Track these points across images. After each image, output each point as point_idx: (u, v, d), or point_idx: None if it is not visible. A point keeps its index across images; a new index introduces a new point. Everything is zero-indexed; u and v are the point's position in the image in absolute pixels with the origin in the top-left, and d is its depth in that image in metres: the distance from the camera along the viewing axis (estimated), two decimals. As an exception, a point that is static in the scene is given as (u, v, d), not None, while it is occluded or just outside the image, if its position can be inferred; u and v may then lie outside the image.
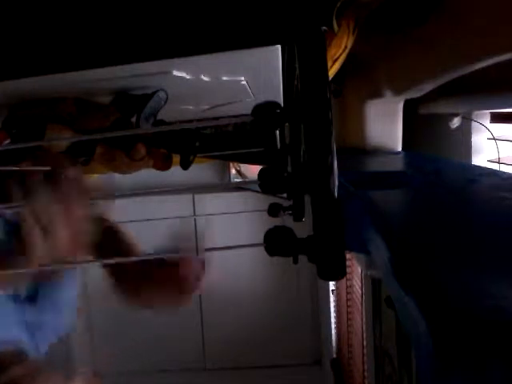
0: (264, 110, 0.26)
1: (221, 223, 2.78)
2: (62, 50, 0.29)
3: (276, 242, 0.28)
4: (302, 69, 0.25)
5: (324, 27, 0.24)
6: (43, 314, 0.66)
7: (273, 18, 0.26)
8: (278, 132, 0.31)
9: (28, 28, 0.29)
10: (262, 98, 0.35)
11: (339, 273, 0.27)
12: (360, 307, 1.68)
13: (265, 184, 0.27)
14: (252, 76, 0.37)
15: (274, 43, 0.27)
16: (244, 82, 0.38)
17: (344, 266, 0.27)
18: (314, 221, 0.26)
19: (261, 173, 0.27)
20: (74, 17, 0.29)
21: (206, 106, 0.58)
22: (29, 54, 0.29)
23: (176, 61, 0.28)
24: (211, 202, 2.65)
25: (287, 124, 0.28)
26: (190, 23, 0.28)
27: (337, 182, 0.25)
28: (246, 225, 2.72)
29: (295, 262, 0.28)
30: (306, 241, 0.27)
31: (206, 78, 0.35)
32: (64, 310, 0.69)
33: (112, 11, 0.28)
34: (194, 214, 2.76)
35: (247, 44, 0.27)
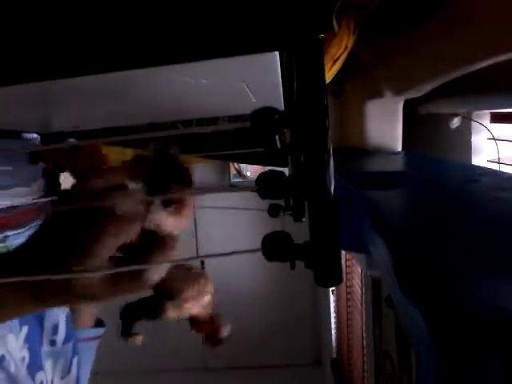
0: (262, 116, 0.26)
1: (221, 222, 2.79)
2: (59, 56, 0.29)
3: (273, 248, 0.28)
4: (299, 75, 0.25)
5: (321, 34, 0.24)
6: None
7: (270, 24, 0.26)
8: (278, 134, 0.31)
9: (17, 30, 0.29)
10: (262, 100, 0.35)
11: (336, 279, 0.27)
12: (360, 307, 1.68)
13: (263, 189, 0.27)
14: (251, 79, 0.37)
15: (270, 50, 0.27)
16: (244, 85, 0.38)
17: (340, 273, 0.27)
18: (310, 226, 0.26)
19: (259, 178, 0.27)
20: (74, 23, 0.29)
21: (206, 107, 0.58)
22: (20, 60, 0.30)
23: (176, 65, 0.29)
24: (211, 201, 2.65)
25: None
26: (191, 31, 0.28)
27: (333, 189, 0.25)
28: (247, 224, 2.72)
29: (292, 267, 0.28)
30: (303, 247, 0.27)
31: (205, 81, 0.35)
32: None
33: (115, 21, 0.28)
34: (194, 213, 2.76)
35: (244, 50, 0.27)
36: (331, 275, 0.27)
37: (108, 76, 0.30)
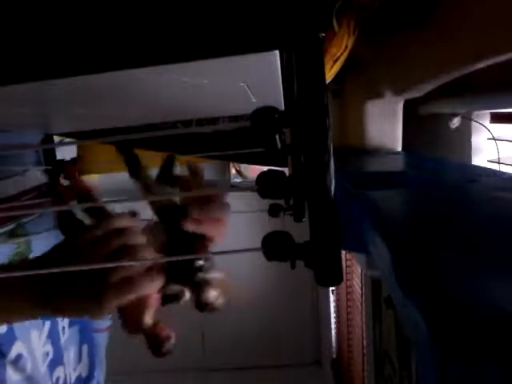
0: (262, 115, 0.26)
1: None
2: (61, 55, 0.29)
3: (274, 248, 0.28)
4: (299, 75, 0.24)
5: (322, 33, 0.24)
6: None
7: (270, 23, 0.26)
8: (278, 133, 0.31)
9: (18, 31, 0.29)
10: (262, 100, 0.35)
11: (336, 279, 0.27)
12: (360, 307, 1.68)
13: (263, 189, 0.27)
14: (251, 79, 0.37)
15: (271, 49, 0.27)
16: (243, 84, 0.38)
17: (341, 272, 0.27)
18: (311, 226, 0.26)
19: (259, 178, 0.27)
20: (73, 22, 0.29)
21: (206, 107, 0.58)
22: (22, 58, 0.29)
23: (175, 65, 0.28)
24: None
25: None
26: (190, 30, 0.28)
27: (333, 188, 0.25)
28: (247, 224, 2.71)
29: (292, 267, 0.28)
30: (303, 246, 0.27)
31: (205, 81, 0.35)
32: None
33: (115, 20, 0.28)
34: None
35: (244, 50, 0.27)
36: (332, 274, 0.27)
37: (107, 76, 0.30)
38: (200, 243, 0.51)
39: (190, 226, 0.49)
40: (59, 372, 0.62)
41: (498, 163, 0.95)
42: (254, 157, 0.95)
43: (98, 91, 0.40)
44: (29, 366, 0.56)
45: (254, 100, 0.45)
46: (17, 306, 0.40)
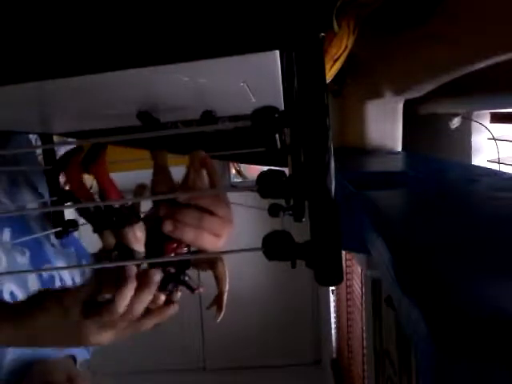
0: (262, 115, 0.26)
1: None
2: (60, 55, 0.29)
3: (274, 247, 0.28)
4: (300, 75, 0.25)
5: (322, 33, 0.24)
6: None
7: (270, 23, 0.26)
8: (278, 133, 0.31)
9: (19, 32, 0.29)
10: (262, 100, 0.35)
11: (336, 278, 0.27)
12: (360, 307, 1.68)
13: (263, 189, 0.27)
14: (251, 78, 0.37)
15: (271, 49, 0.27)
16: (243, 84, 0.38)
17: (341, 272, 0.27)
18: (311, 226, 0.26)
19: (259, 177, 0.27)
20: (73, 22, 0.29)
21: (206, 107, 0.58)
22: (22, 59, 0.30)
23: (175, 65, 0.28)
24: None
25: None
26: (189, 30, 0.28)
27: (333, 187, 0.25)
28: (246, 223, 2.71)
29: (293, 266, 0.28)
30: (304, 246, 0.27)
31: (204, 80, 0.35)
32: None
33: (114, 19, 0.28)
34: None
35: (244, 49, 0.27)
36: (332, 274, 0.27)
37: (107, 76, 0.30)
38: (171, 244, 0.51)
39: (168, 227, 0.48)
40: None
41: (498, 163, 0.95)
42: (254, 157, 0.95)
43: (97, 91, 0.40)
44: None
45: (253, 100, 0.45)
46: None
